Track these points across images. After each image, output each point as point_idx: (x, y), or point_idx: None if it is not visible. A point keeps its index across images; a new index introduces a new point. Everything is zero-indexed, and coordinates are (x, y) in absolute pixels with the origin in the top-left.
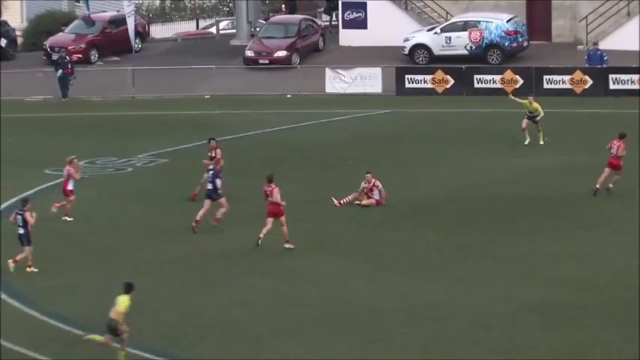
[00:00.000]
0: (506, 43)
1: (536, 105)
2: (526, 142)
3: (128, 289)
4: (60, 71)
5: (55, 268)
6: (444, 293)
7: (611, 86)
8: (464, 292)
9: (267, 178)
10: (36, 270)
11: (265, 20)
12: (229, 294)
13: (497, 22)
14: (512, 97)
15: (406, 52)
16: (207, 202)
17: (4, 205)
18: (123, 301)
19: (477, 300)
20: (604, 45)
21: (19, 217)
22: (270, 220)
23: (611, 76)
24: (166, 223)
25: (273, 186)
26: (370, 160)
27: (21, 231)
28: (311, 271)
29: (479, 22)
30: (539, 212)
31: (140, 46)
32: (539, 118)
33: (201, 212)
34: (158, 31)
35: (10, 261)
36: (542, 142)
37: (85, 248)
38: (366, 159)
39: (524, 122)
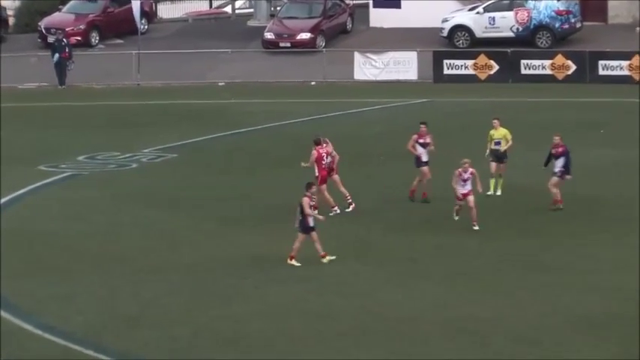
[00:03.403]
0: (557, 25)
1: (503, 131)
2: (489, 193)
3: None
4: (56, 56)
5: (51, 275)
6: (485, 304)
7: None
8: (507, 304)
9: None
10: (297, 264)
11: None
12: (245, 305)
13: (546, 1)
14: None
15: (445, 34)
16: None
17: None
18: None
19: (523, 312)
20: None
21: None
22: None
23: None
24: (175, 226)
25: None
26: (404, 156)
27: (300, 217)
28: (336, 279)
29: (526, 0)
30: (591, 214)
31: (146, 27)
32: (505, 148)
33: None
34: (166, 10)
35: (323, 259)
36: (498, 192)
37: (83, 254)
38: (399, 154)
39: (493, 165)
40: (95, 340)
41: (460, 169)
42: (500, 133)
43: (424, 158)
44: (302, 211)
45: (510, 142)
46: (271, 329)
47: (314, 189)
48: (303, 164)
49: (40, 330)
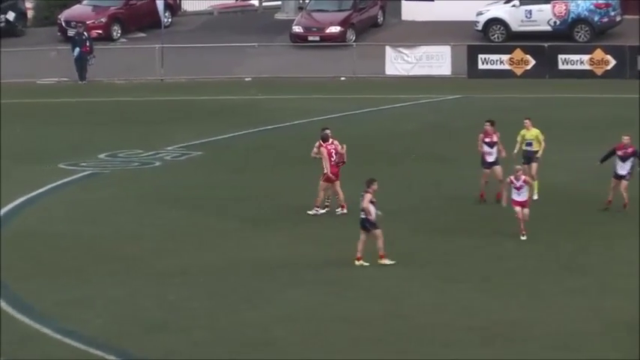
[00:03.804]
0: (596, 18)
1: (535, 131)
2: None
3: None
4: (77, 50)
5: (70, 278)
6: (522, 309)
7: None
8: (545, 308)
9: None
10: (392, 262)
11: None
12: (270, 309)
13: None
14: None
15: (479, 27)
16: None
17: (12, 205)
18: None
19: (559, 317)
20: None
21: None
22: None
23: None
24: (198, 227)
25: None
26: (437, 154)
27: (362, 215)
28: (365, 282)
29: None
30: (629, 216)
31: (170, 20)
32: (539, 154)
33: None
34: (191, 3)
35: (357, 262)
36: (535, 196)
37: (105, 256)
38: (432, 152)
39: (524, 167)
40: (116, 344)
41: (512, 177)
42: (532, 133)
43: (489, 159)
44: (362, 208)
45: (543, 144)
46: (297, 334)
47: (375, 186)
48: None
49: (60, 334)
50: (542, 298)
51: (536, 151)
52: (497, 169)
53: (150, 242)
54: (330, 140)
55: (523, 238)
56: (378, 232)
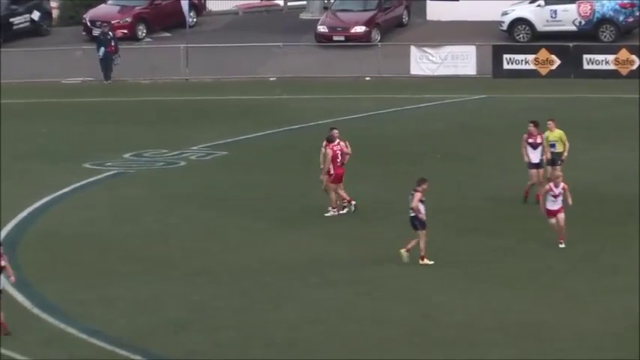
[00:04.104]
0: (622, 18)
1: (559, 132)
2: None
3: None
4: (102, 49)
5: (94, 278)
6: (549, 309)
7: None
8: (572, 308)
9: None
10: (431, 262)
11: None
12: (297, 309)
13: None
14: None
15: (504, 27)
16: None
17: (37, 205)
18: None
19: (589, 317)
20: None
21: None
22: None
23: None
24: (225, 226)
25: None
26: (462, 154)
27: (412, 214)
28: (392, 282)
29: None
30: None
31: (195, 20)
32: (564, 155)
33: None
34: (216, 2)
35: (403, 250)
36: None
37: (130, 256)
38: (458, 152)
39: (548, 169)
40: (141, 344)
41: (551, 184)
42: (555, 134)
43: (534, 159)
44: (412, 207)
45: (567, 145)
46: (323, 334)
47: (425, 185)
48: (322, 168)
49: (85, 334)
50: (570, 298)
51: (561, 153)
52: (542, 171)
53: (175, 242)
54: (337, 141)
55: (562, 246)
56: (423, 232)
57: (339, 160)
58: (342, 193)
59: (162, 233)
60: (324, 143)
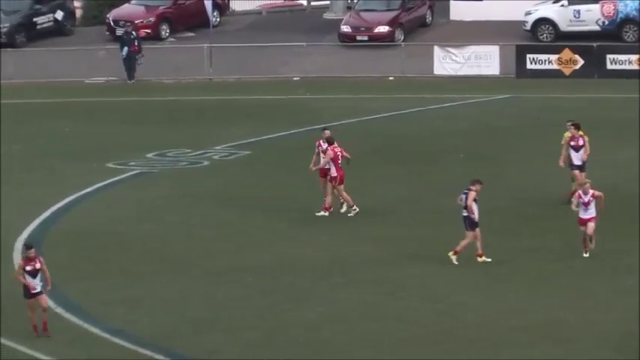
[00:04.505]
0: None
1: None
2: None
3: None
4: (125, 49)
5: (118, 278)
6: (571, 309)
7: None
8: (595, 308)
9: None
10: (489, 260)
11: None
12: (320, 308)
13: None
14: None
15: (528, 27)
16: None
17: (60, 205)
18: None
19: (608, 317)
20: None
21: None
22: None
23: None
24: (248, 226)
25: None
26: (485, 154)
27: (465, 213)
28: (415, 281)
29: None
30: None
31: (219, 19)
32: (584, 157)
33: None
34: (239, 2)
35: (451, 253)
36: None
37: (153, 255)
38: (481, 152)
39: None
40: (165, 344)
41: (580, 191)
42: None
43: (576, 161)
44: (466, 206)
45: (588, 147)
46: (346, 334)
47: (479, 186)
48: (313, 169)
49: (108, 334)
50: (591, 298)
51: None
52: (579, 172)
53: (198, 241)
54: (335, 142)
55: (585, 255)
56: (472, 233)
57: (340, 162)
58: (345, 195)
59: (185, 233)
60: (322, 145)
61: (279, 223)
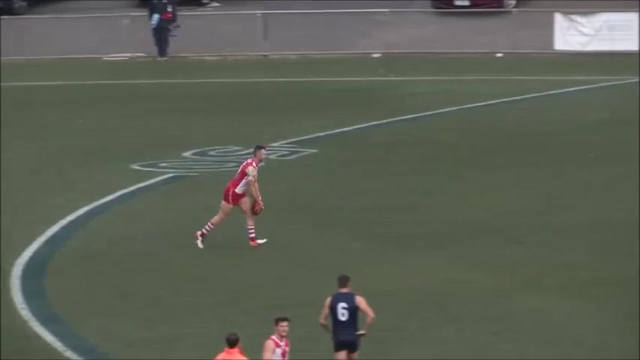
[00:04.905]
0: None
1: None
2: None
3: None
4: (156, 17)
5: (149, 312)
6: None
7: None
8: None
9: None
10: None
11: None
12: (409, 351)
13: None
14: None
15: None
16: None
17: (73, 217)
18: None
19: None
20: None
21: None
22: None
23: None
24: (313, 245)
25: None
26: (624, 153)
27: None
28: (532, 317)
29: None
30: None
31: None
32: None
33: None
34: None
35: None
36: None
37: (191, 283)
38: (618, 150)
39: None
40: None
41: None
42: None
43: None
44: None
45: None
46: None
47: None
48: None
49: None
50: None
51: None
52: None
53: (251, 265)
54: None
55: None
56: None
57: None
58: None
59: (233, 254)
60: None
61: (355, 243)
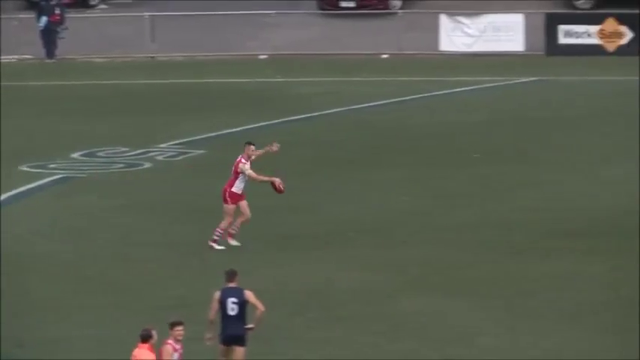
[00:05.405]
0: None
1: None
2: None
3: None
4: (43, 19)
5: (40, 313)
6: (620, 352)
7: None
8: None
9: None
10: None
11: None
12: (295, 350)
13: None
14: None
15: None
16: None
17: None
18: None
19: None
20: None
21: None
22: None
23: None
24: (202, 245)
25: None
26: (508, 154)
27: None
28: (415, 317)
29: None
30: None
31: None
32: None
33: None
34: None
35: None
36: None
37: (81, 284)
38: (503, 151)
39: None
40: None
41: None
42: None
43: None
44: None
45: None
46: None
47: None
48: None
49: None
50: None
51: None
52: None
53: (139, 266)
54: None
55: None
56: None
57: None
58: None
59: (122, 255)
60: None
61: (244, 244)
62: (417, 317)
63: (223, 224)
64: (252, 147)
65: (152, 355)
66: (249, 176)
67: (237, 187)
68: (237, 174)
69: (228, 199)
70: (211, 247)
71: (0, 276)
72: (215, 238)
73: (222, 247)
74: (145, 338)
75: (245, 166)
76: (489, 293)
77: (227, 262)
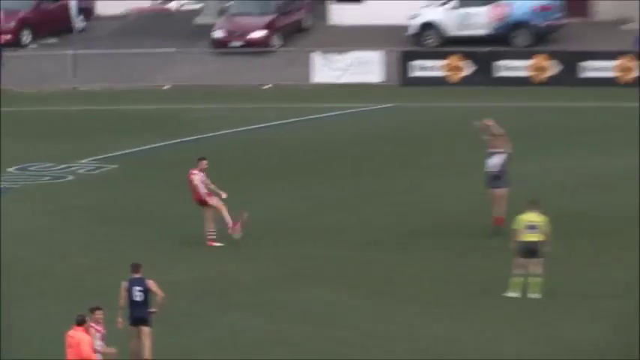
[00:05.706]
0: (537, 22)
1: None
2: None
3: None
4: None
5: None
6: (458, 329)
7: None
8: (503, 331)
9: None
10: None
11: None
12: (199, 335)
13: None
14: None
15: (413, 31)
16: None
17: None
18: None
19: (522, 340)
20: None
21: None
22: None
23: None
24: (118, 245)
25: None
26: (367, 169)
27: None
28: (297, 304)
29: None
30: (581, 233)
31: (84, 24)
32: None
33: None
34: (105, 6)
35: None
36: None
37: (27, 279)
38: (362, 167)
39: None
40: None
41: None
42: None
43: None
44: None
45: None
46: None
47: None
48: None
49: None
50: (500, 320)
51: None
52: None
53: (67, 262)
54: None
55: None
56: None
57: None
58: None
59: (51, 254)
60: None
61: (149, 243)
62: (293, 303)
63: (209, 225)
64: (204, 162)
65: (88, 336)
66: (202, 182)
67: (202, 193)
68: (192, 184)
69: (202, 202)
70: (211, 246)
71: None
72: (211, 238)
73: (221, 244)
74: (79, 322)
75: (195, 176)
76: (354, 283)
77: (137, 258)
